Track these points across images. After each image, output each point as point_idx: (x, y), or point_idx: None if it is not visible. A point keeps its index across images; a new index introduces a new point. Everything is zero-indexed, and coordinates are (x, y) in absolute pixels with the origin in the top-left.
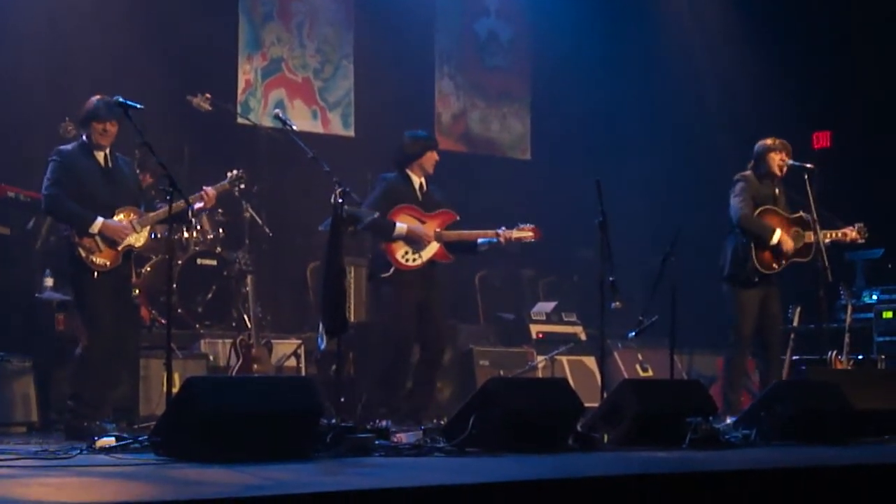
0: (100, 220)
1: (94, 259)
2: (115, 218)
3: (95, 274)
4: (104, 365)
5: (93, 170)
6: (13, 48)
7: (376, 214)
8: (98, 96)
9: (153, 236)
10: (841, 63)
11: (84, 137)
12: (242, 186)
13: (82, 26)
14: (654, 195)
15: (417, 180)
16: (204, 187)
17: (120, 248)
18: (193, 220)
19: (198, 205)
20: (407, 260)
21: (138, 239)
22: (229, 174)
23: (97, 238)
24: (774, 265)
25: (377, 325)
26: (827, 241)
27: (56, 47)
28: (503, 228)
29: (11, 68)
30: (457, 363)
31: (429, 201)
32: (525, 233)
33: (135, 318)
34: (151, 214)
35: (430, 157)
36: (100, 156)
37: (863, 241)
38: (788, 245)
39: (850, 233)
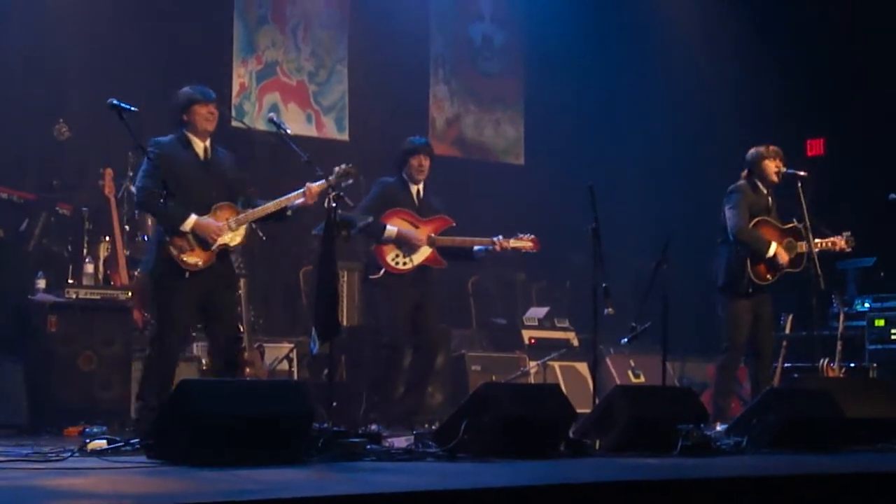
0: (192, 217)
1: (185, 258)
2: (210, 216)
3: (187, 274)
4: (170, 360)
5: (191, 162)
6: (5, 49)
7: (370, 219)
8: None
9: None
10: (836, 70)
11: (183, 129)
12: (350, 181)
13: (76, 28)
14: (647, 201)
15: (414, 186)
16: (307, 184)
17: (214, 248)
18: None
19: (298, 201)
20: (397, 263)
21: (234, 238)
22: (336, 169)
23: (189, 236)
24: (769, 276)
25: (369, 329)
26: (816, 250)
27: (49, 49)
28: (500, 237)
29: (4, 70)
30: (449, 368)
31: (426, 208)
32: (524, 242)
33: (232, 317)
34: (249, 212)
35: (412, 164)
36: (199, 147)
37: (850, 249)
38: (784, 258)
39: (839, 242)
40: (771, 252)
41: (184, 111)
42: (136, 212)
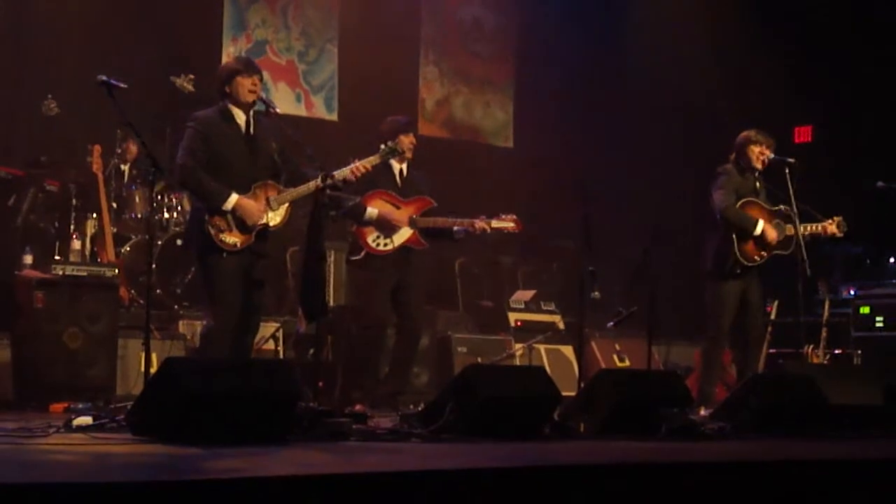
0: (234, 196)
1: (224, 238)
2: (251, 195)
3: (224, 254)
4: (228, 345)
5: (234, 137)
6: None
7: (357, 199)
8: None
9: (128, 216)
10: (824, 57)
11: (225, 101)
12: (397, 156)
13: (65, 4)
14: (636, 187)
15: (397, 166)
16: (355, 160)
17: (253, 230)
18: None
19: (346, 175)
20: (377, 245)
21: (274, 218)
22: (382, 146)
23: (229, 217)
24: (756, 257)
25: (352, 309)
26: (806, 233)
27: (38, 25)
28: (482, 218)
29: None
30: (435, 349)
31: (409, 187)
32: (505, 223)
33: (259, 303)
34: (290, 191)
35: (402, 142)
36: (241, 119)
37: (841, 234)
38: (772, 235)
39: (829, 226)
40: (758, 230)
41: (226, 83)
42: (119, 193)
